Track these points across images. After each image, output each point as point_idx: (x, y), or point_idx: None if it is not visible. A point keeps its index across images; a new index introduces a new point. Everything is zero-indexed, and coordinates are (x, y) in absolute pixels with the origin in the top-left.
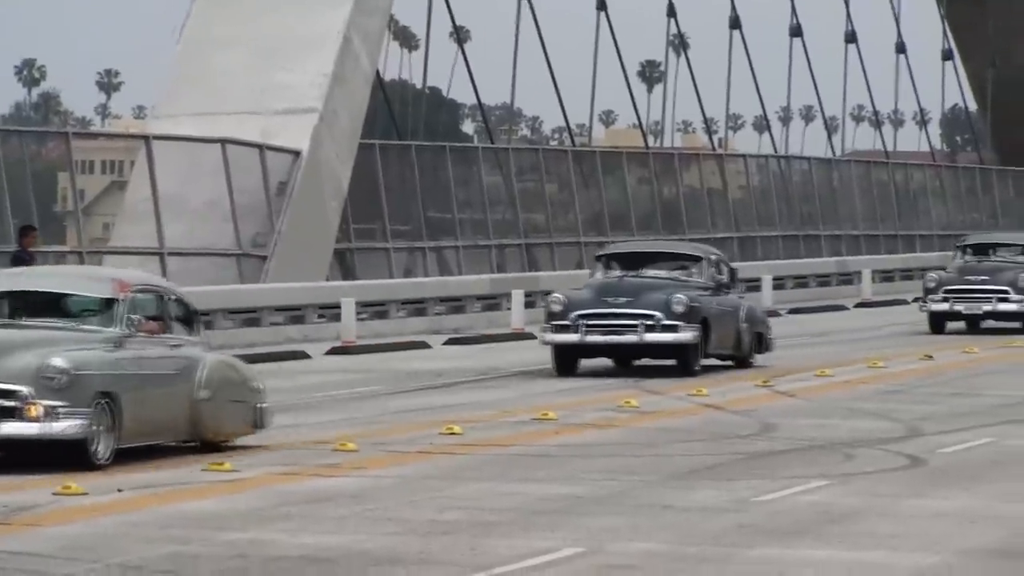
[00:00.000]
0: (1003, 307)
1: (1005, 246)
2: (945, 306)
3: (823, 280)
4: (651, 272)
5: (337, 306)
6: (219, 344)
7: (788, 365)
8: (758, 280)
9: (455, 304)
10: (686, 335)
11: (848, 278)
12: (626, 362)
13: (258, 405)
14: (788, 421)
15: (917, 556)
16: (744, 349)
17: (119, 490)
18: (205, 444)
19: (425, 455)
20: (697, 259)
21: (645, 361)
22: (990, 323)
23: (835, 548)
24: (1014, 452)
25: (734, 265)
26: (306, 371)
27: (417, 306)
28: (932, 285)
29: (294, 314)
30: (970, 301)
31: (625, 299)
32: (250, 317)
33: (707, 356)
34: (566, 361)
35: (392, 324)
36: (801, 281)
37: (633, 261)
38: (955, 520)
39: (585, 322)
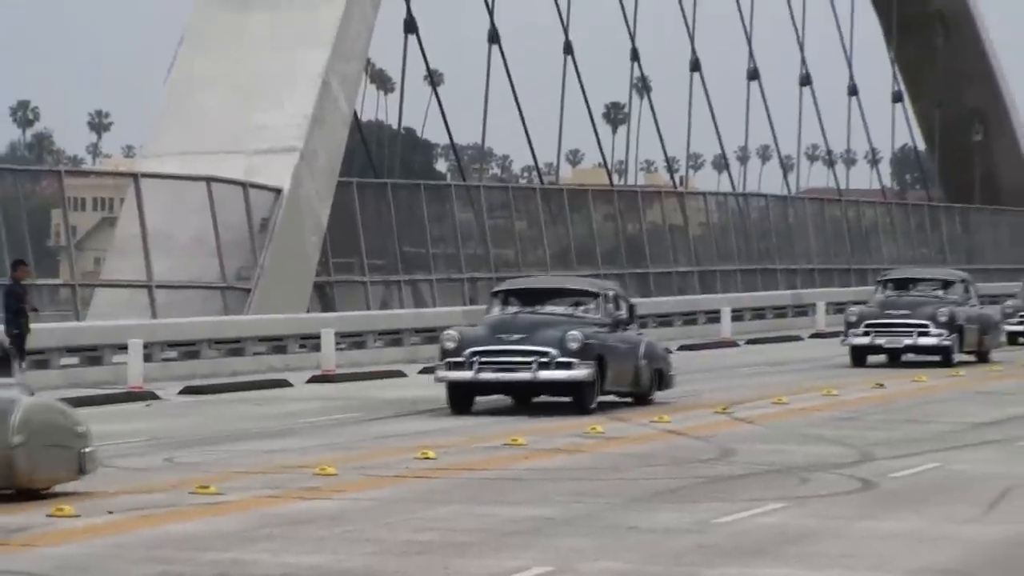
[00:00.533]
0: (923, 341)
1: (924, 281)
2: (866, 340)
3: (779, 312)
4: (547, 308)
5: (317, 336)
6: (206, 373)
7: (689, 401)
8: (718, 312)
9: (429, 335)
10: (581, 372)
11: (803, 310)
12: (524, 399)
13: (83, 450)
14: (746, 446)
15: (870, 574)
16: (643, 386)
17: (110, 512)
18: (21, 492)
19: (401, 479)
20: (594, 295)
21: (543, 398)
22: (910, 356)
23: (792, 568)
24: (960, 476)
25: (635, 301)
26: (288, 399)
27: (393, 336)
28: (853, 319)
29: (276, 344)
30: (891, 335)
31: (519, 335)
32: (234, 347)
33: (605, 393)
34: (460, 399)
35: (370, 354)
36: (759, 313)
37: (530, 297)
38: (905, 541)
39: (479, 359)
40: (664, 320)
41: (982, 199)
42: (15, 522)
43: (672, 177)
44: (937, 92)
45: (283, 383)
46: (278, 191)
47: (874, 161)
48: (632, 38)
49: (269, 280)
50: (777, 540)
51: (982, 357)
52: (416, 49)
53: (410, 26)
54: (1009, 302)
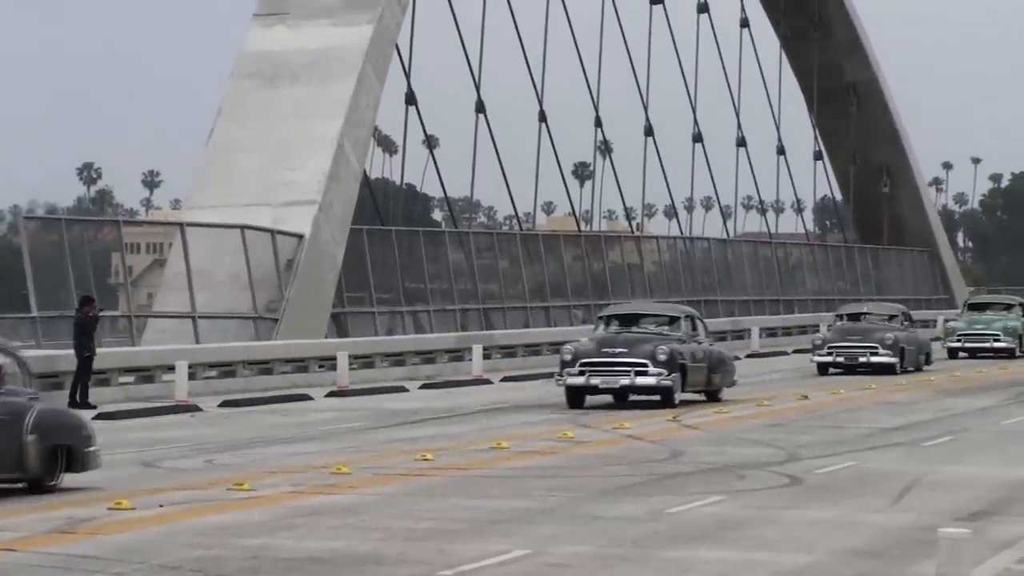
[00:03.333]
0: (640, 381)
1: (649, 316)
2: (581, 380)
3: (720, 336)
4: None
5: (334, 358)
6: (240, 389)
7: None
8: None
9: (427, 356)
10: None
11: (740, 334)
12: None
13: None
14: (692, 448)
15: (797, 556)
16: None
17: (160, 506)
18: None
19: (404, 477)
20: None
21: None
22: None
23: (731, 550)
24: (873, 473)
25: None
26: (309, 410)
27: (397, 358)
28: (568, 357)
29: (299, 364)
30: (606, 375)
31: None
32: (264, 367)
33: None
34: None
35: (377, 372)
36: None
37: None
38: (826, 527)
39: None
40: None
41: (889, 240)
42: (80, 514)
43: (630, 223)
44: (851, 151)
45: (305, 397)
46: (300, 236)
47: (799, 209)
48: (596, 108)
49: (293, 311)
50: (719, 527)
51: (711, 396)
52: (415, 118)
53: (410, 98)
54: (818, 334)
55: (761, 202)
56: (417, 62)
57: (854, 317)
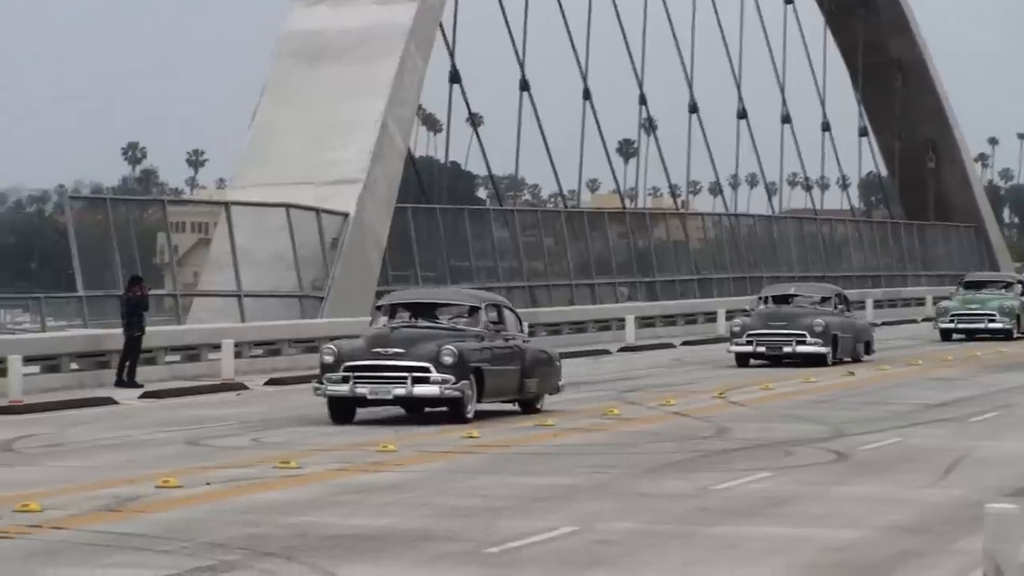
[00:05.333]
0: (420, 390)
1: (443, 306)
2: (345, 389)
3: None
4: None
5: None
6: (286, 367)
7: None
8: (714, 313)
9: None
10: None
11: None
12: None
13: None
14: (739, 425)
15: (843, 531)
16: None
17: (207, 483)
18: None
19: (450, 454)
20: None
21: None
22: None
23: (778, 526)
24: (919, 449)
25: (557, 309)
26: None
27: None
28: (330, 359)
29: None
30: (377, 382)
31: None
32: (310, 345)
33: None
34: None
35: None
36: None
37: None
38: (873, 503)
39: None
40: (669, 320)
41: (935, 216)
42: (127, 492)
43: (675, 201)
44: (896, 127)
45: None
46: (345, 215)
47: (844, 185)
48: (640, 85)
49: (338, 289)
50: (765, 503)
51: (527, 407)
52: (460, 96)
53: (454, 77)
54: (737, 320)
55: (806, 178)
56: (461, 40)
57: (781, 300)
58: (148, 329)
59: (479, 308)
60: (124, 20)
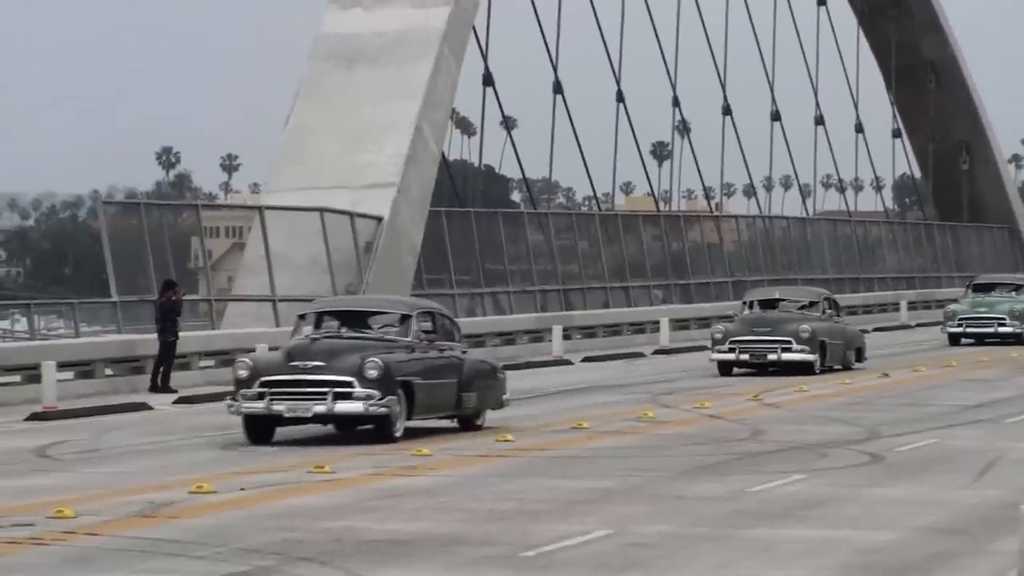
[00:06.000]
0: (342, 407)
1: (373, 314)
2: (260, 406)
3: None
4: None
5: None
6: None
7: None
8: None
9: (507, 337)
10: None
11: None
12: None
13: None
14: (773, 427)
15: (879, 533)
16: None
17: (241, 489)
18: None
19: (484, 458)
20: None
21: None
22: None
23: (812, 528)
24: (953, 450)
25: (516, 317)
26: None
27: (477, 339)
28: (244, 374)
29: None
30: (295, 399)
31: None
32: None
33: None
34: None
35: None
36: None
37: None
38: (908, 505)
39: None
40: (704, 323)
41: (969, 217)
42: (161, 498)
43: (709, 203)
44: (930, 128)
45: None
46: (379, 219)
47: (878, 187)
48: (674, 87)
49: (373, 293)
50: (800, 506)
51: (466, 423)
52: (493, 99)
53: (488, 80)
54: (719, 325)
55: (840, 180)
56: (494, 43)
57: (766, 305)
58: (182, 334)
59: (410, 316)
60: (159, 24)
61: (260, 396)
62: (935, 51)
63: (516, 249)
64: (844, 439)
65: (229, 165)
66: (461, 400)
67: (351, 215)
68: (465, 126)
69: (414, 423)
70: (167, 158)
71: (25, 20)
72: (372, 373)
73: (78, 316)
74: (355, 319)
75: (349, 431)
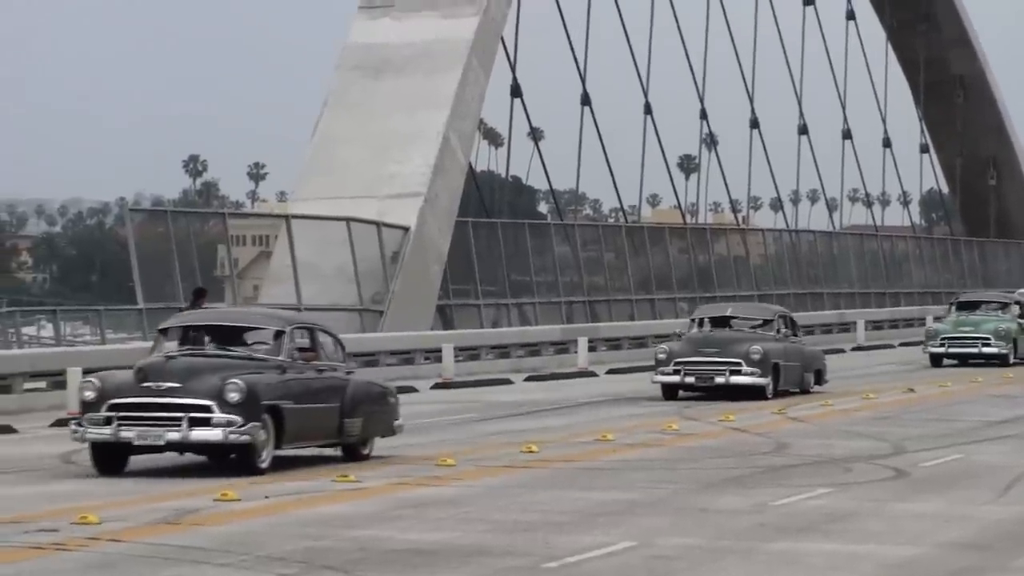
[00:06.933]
0: (198, 434)
1: (245, 329)
2: (108, 432)
3: (826, 328)
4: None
5: (439, 350)
6: None
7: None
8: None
9: (532, 348)
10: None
11: (846, 327)
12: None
13: None
14: (798, 441)
15: (903, 548)
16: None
17: (266, 496)
18: None
19: (509, 468)
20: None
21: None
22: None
23: (837, 542)
24: (980, 466)
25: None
26: (414, 402)
27: (502, 350)
28: (91, 396)
29: (405, 356)
30: (147, 424)
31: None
32: (370, 359)
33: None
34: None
35: (482, 364)
36: (808, 330)
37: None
38: (933, 520)
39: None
40: None
41: (996, 233)
42: (186, 506)
43: (735, 216)
44: (958, 143)
45: (411, 389)
46: (406, 229)
47: (905, 202)
48: (701, 100)
49: (399, 303)
50: (824, 520)
51: (350, 452)
52: (521, 110)
53: (516, 91)
54: (663, 345)
55: (867, 194)
56: (522, 54)
57: (718, 323)
58: None
59: (283, 332)
60: (185, 32)
61: (108, 421)
62: (964, 66)
63: (542, 260)
64: (869, 454)
65: (256, 173)
66: (344, 426)
67: (378, 224)
68: (493, 137)
69: (289, 452)
70: (194, 166)
71: (55, 29)
72: (233, 396)
73: (104, 323)
74: (225, 335)
75: (222, 459)
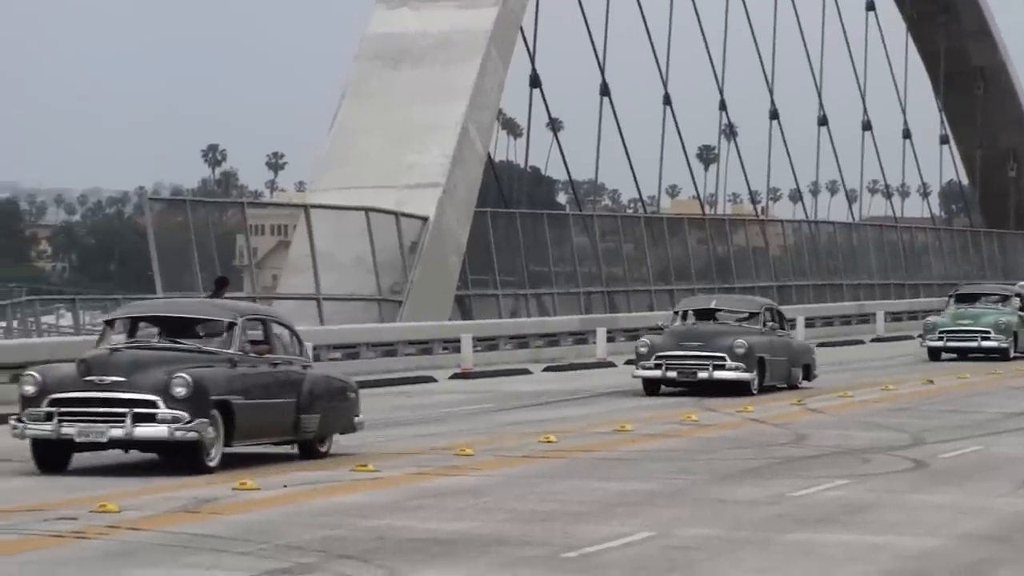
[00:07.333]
0: (142, 431)
1: (195, 321)
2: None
3: (845, 320)
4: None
5: (457, 340)
6: (365, 370)
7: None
8: (793, 320)
9: (551, 339)
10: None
11: (865, 318)
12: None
13: None
14: (817, 432)
15: (922, 540)
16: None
17: (284, 486)
18: None
19: (527, 458)
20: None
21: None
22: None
23: (855, 533)
24: (998, 458)
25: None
26: (433, 392)
27: (521, 340)
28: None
29: (423, 347)
30: (90, 420)
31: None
32: (388, 349)
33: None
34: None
35: (501, 355)
36: (827, 321)
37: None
38: (951, 511)
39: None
40: None
41: (1016, 225)
42: (205, 495)
43: (755, 207)
44: (978, 135)
45: (429, 379)
46: (425, 219)
47: (925, 193)
48: (721, 91)
49: (417, 293)
50: (842, 511)
51: (307, 450)
52: (540, 101)
53: (535, 81)
54: (644, 339)
55: (887, 186)
56: (542, 45)
57: (702, 315)
58: None
59: (235, 324)
60: (205, 22)
61: (48, 417)
62: (984, 57)
63: (561, 251)
64: (888, 445)
65: (275, 163)
66: (300, 423)
67: (396, 215)
68: (512, 127)
69: (239, 449)
70: (213, 155)
71: (74, 22)
72: (179, 391)
73: None
74: (174, 327)
75: (172, 456)
